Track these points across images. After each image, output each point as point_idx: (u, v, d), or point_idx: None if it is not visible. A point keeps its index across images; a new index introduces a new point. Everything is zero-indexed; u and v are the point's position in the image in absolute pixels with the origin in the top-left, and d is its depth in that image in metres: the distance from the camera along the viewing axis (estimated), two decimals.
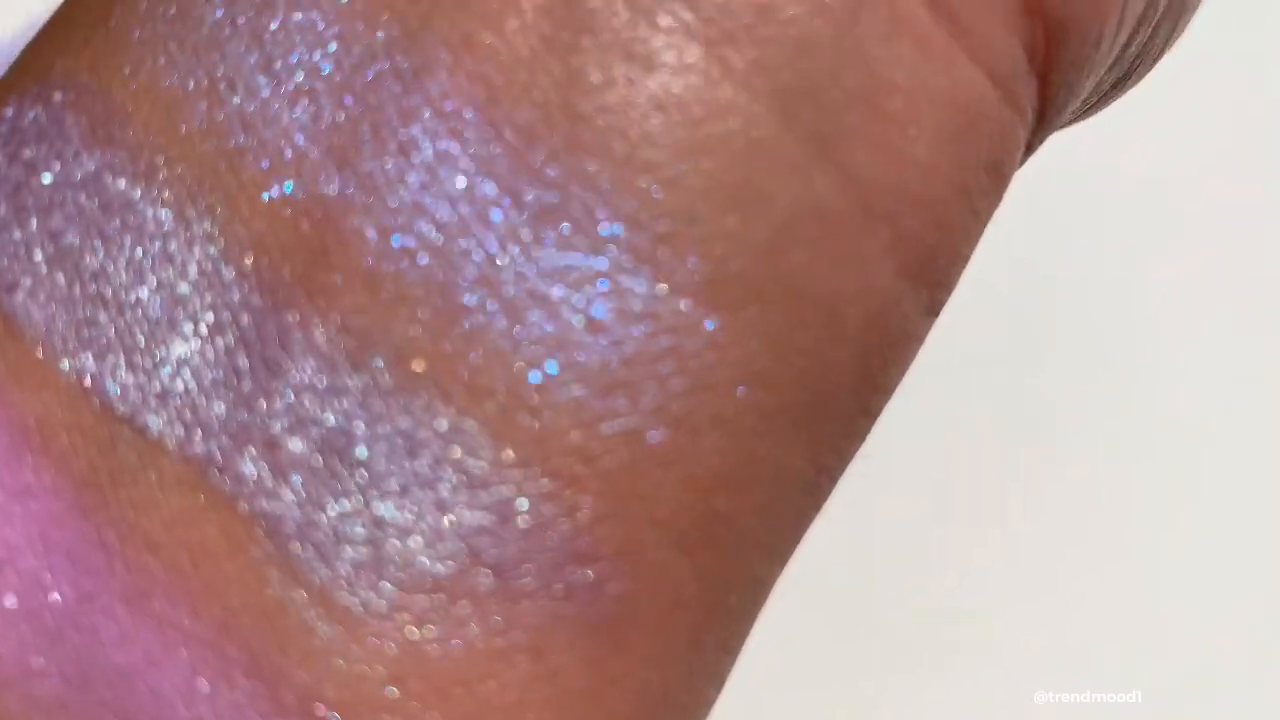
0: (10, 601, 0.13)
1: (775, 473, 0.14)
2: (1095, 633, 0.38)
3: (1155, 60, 0.17)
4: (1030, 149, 0.16)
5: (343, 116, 0.13)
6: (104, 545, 0.13)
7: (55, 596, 0.13)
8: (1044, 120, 0.15)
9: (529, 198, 0.13)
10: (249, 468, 0.13)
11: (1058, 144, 0.25)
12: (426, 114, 0.13)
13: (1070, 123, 0.17)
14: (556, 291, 0.13)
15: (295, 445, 0.13)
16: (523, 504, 0.13)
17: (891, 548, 0.38)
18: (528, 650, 0.13)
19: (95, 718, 0.13)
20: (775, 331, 0.13)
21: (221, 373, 0.13)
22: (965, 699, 0.37)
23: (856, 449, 0.15)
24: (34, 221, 0.14)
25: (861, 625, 0.38)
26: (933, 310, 0.14)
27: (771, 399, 0.13)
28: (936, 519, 0.38)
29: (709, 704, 0.14)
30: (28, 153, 0.14)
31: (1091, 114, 0.18)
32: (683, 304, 0.13)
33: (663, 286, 0.13)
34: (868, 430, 0.15)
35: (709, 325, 0.13)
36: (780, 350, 0.13)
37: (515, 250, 0.13)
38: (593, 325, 0.13)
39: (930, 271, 0.14)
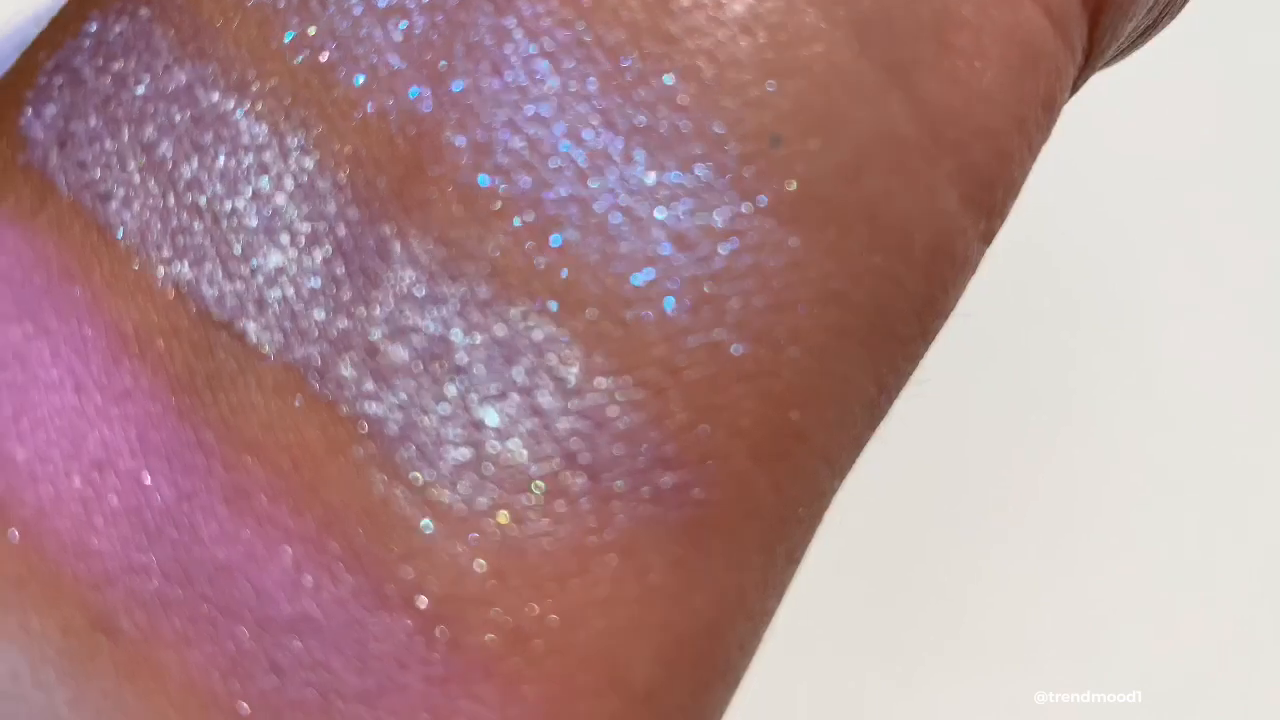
0: (112, 500, 0.13)
1: (844, 389, 0.14)
2: (1095, 633, 0.38)
3: (1178, 11, 0.18)
4: (1074, 90, 0.17)
5: (435, 36, 0.14)
6: (202, 446, 0.13)
7: (155, 496, 0.13)
8: (1089, 61, 0.16)
9: (619, 117, 0.14)
10: (350, 372, 0.13)
11: (1072, 135, 0.26)
12: (519, 34, 0.14)
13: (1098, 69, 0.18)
14: (645, 208, 0.14)
15: (396, 351, 0.13)
16: (613, 411, 0.13)
17: (891, 548, 0.38)
18: (618, 549, 0.14)
19: (197, 613, 0.13)
20: (851, 252, 0.14)
21: (319, 281, 0.14)
22: (965, 699, 0.38)
23: (913, 371, 0.15)
24: (126, 132, 0.14)
25: (861, 625, 0.38)
26: (987, 238, 0.15)
27: (846, 318, 0.14)
28: (936, 519, 0.39)
29: (773, 613, 0.15)
30: (117, 65, 0.14)
31: (1115, 62, 0.19)
32: (767, 223, 0.14)
33: (748, 205, 0.14)
34: (924, 353, 0.15)
35: (791, 244, 0.14)
36: (855, 271, 0.14)
37: (605, 167, 0.14)
38: (680, 242, 0.14)
39: (989, 200, 0.15)
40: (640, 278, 0.14)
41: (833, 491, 0.15)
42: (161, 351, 0.14)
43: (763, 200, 0.14)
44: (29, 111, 0.15)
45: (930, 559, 0.38)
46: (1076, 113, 0.26)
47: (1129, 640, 0.38)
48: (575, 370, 0.13)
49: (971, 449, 0.39)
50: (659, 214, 0.14)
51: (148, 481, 0.13)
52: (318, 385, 0.13)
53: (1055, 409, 0.39)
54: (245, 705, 0.13)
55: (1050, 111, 0.15)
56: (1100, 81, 0.23)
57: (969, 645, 0.38)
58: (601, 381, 0.13)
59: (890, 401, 0.15)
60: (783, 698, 0.37)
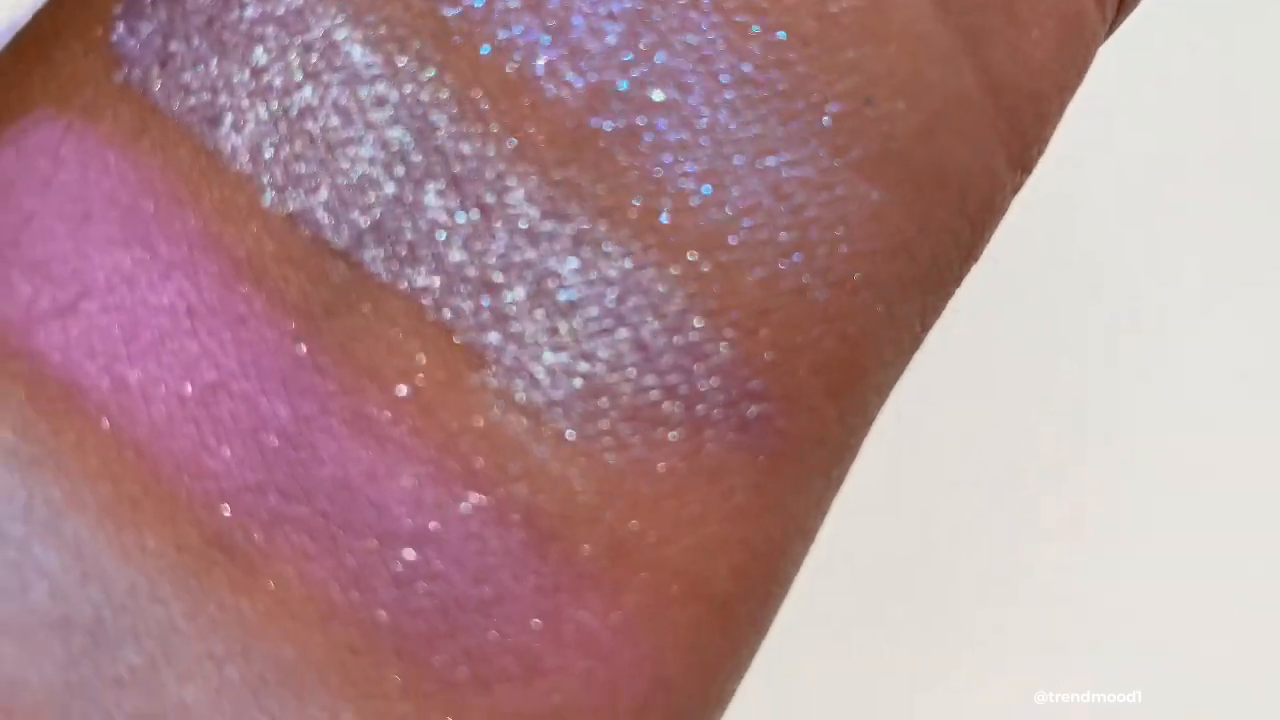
0: (227, 422, 0.14)
1: (900, 331, 0.16)
2: (1095, 633, 0.38)
3: None
4: None
5: None
6: (319, 370, 0.14)
7: (272, 418, 0.14)
8: (1110, 30, 0.17)
9: (726, 76, 0.15)
10: (466, 303, 0.14)
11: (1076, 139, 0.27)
12: None
13: None
14: (746, 159, 0.15)
15: (510, 284, 0.14)
16: (710, 348, 0.15)
17: (891, 548, 0.39)
18: (708, 473, 0.15)
19: (317, 529, 0.14)
20: (921, 206, 0.16)
21: (435, 214, 0.14)
22: (965, 699, 0.38)
23: (943, 308, 0.17)
24: (233, 56, 0.15)
25: (862, 625, 0.39)
26: (1016, 190, 0.17)
27: (910, 267, 0.16)
28: (936, 519, 0.39)
29: (817, 532, 0.17)
30: None
31: None
32: (854, 178, 0.15)
33: (839, 160, 0.15)
34: (953, 293, 0.17)
35: (874, 198, 0.15)
36: (922, 224, 0.16)
37: (713, 116, 0.15)
38: (777, 191, 0.15)
39: (1026, 159, 0.17)
40: (739, 226, 0.15)
41: (872, 423, 0.17)
42: (276, 278, 0.14)
43: (853, 156, 0.15)
44: (120, 27, 0.15)
45: (930, 559, 0.39)
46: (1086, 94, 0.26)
47: (1129, 640, 0.38)
48: (677, 309, 0.15)
49: (971, 449, 0.39)
50: (759, 165, 0.15)
51: (264, 404, 0.14)
52: (434, 315, 0.14)
53: (1055, 409, 0.39)
54: (367, 615, 0.14)
55: (1081, 76, 0.17)
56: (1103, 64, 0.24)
57: (969, 645, 0.38)
58: (699, 321, 0.15)
59: (925, 336, 0.17)
60: (783, 697, 0.37)
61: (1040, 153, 0.17)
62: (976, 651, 0.38)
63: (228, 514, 0.14)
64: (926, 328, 0.17)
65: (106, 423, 0.14)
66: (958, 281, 0.17)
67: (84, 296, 0.14)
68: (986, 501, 0.39)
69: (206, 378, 0.14)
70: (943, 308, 0.17)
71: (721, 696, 0.16)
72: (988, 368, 0.39)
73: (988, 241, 0.17)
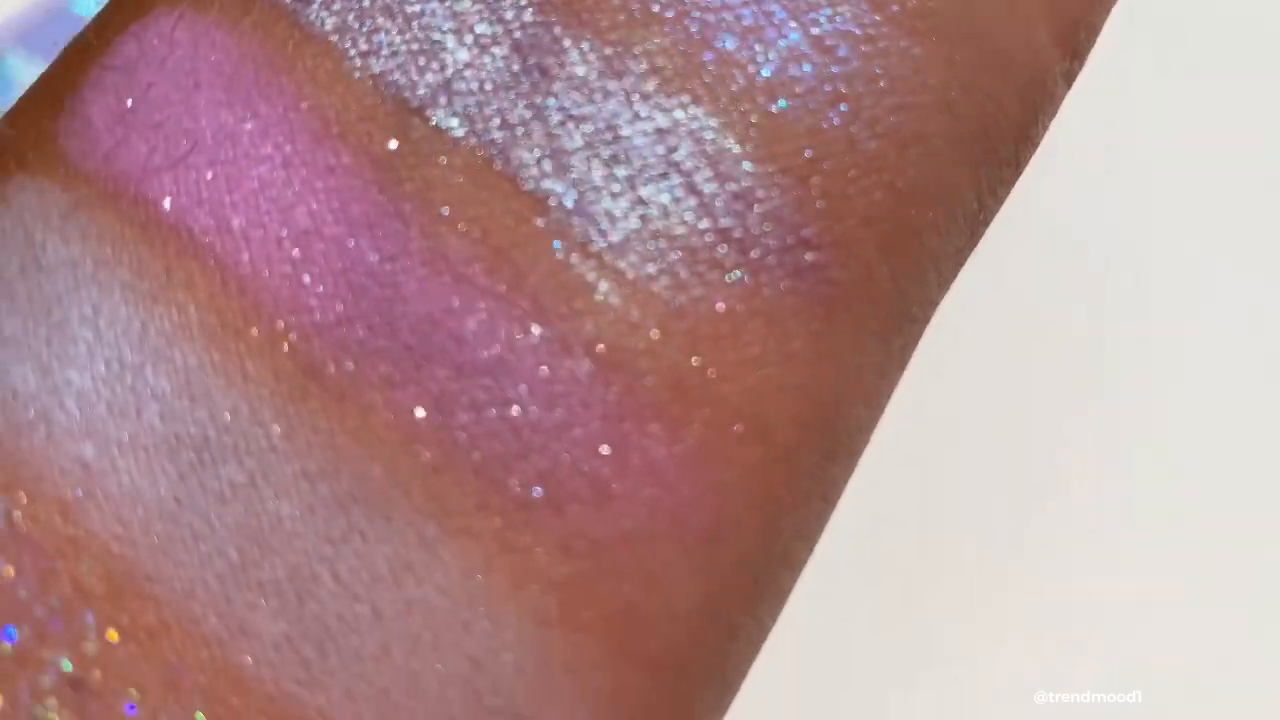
0: (319, 262, 0.16)
1: (953, 196, 0.18)
2: (1095, 633, 0.40)
3: None
4: None
5: None
6: (401, 216, 0.16)
7: (359, 259, 0.16)
8: None
9: None
10: (529, 154, 0.16)
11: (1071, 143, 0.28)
12: None
13: None
14: (786, 14, 0.17)
15: (569, 137, 0.16)
16: (762, 194, 0.16)
17: (892, 547, 0.40)
18: (764, 315, 0.17)
19: (399, 358, 0.16)
20: (963, 68, 0.17)
21: (500, 75, 0.17)
22: (965, 699, 0.39)
23: (1003, 198, 0.18)
24: None
25: (861, 624, 0.40)
26: (1068, 78, 0.19)
27: (957, 128, 0.17)
28: (937, 518, 0.40)
29: (883, 409, 0.18)
30: None
31: None
32: (895, 32, 0.17)
33: (880, 15, 0.17)
34: (1013, 182, 0.18)
35: (915, 53, 0.17)
36: (966, 86, 0.17)
37: None
38: (819, 45, 0.17)
39: (1073, 41, 0.18)
40: (785, 75, 0.17)
41: (935, 302, 0.18)
42: (361, 135, 0.16)
43: (892, 10, 0.17)
44: None
45: (930, 558, 0.40)
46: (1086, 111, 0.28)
47: (1129, 640, 0.39)
48: (729, 156, 0.16)
49: (972, 447, 0.40)
50: (801, 18, 0.17)
51: (351, 246, 0.16)
52: (501, 165, 0.16)
53: (1055, 408, 0.41)
54: (447, 436, 0.16)
55: None
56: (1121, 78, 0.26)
57: (969, 645, 0.39)
58: (751, 166, 0.16)
59: (985, 224, 0.18)
60: (782, 696, 0.38)
61: (1089, 41, 0.18)
62: (977, 651, 0.39)
63: (321, 346, 0.16)
64: (985, 209, 0.18)
65: (212, 261, 0.16)
66: (1015, 163, 0.18)
67: (193, 151, 0.17)
68: (986, 500, 0.40)
69: (301, 223, 0.16)
70: (1002, 192, 0.18)
71: (787, 556, 0.17)
72: (988, 369, 0.40)
73: (1043, 126, 0.18)
